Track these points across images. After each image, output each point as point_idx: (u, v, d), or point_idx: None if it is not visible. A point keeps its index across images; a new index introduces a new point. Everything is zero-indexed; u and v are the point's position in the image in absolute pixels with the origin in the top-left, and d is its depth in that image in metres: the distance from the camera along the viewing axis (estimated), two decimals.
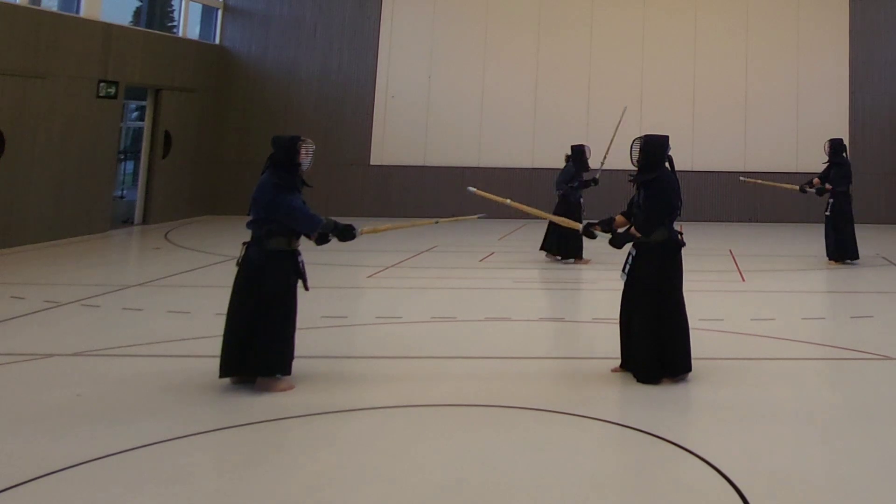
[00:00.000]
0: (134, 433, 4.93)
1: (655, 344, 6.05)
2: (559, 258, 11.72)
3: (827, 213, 11.75)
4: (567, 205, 11.72)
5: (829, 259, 11.77)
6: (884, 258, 12.55)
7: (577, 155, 12.02)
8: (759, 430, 5.20)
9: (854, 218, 11.80)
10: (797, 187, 12.22)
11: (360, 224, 6.36)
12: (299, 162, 6.02)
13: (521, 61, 18.11)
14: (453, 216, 16.25)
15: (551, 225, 11.41)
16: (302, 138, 6.09)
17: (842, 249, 11.68)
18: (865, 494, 4.31)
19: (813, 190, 11.88)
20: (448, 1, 18.36)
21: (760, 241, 12.41)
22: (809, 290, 10.64)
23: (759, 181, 13.64)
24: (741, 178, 14.11)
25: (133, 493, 4.19)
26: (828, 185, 11.70)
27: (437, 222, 7.28)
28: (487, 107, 17.91)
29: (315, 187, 6.39)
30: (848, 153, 11.79)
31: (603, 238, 6.49)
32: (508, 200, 7.02)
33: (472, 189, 7.05)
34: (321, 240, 6.09)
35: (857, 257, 11.74)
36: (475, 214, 7.37)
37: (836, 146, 11.79)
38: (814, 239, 13.86)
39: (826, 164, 11.91)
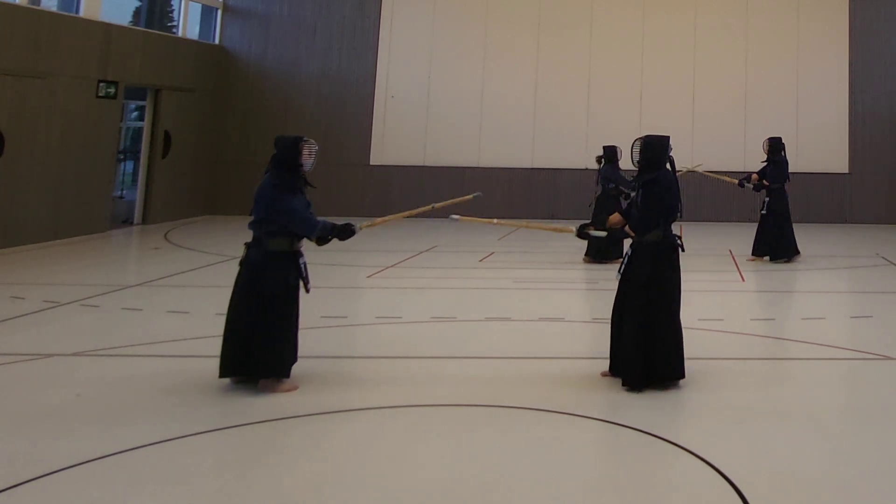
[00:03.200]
0: (134, 433, 4.93)
1: (644, 349, 5.96)
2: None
3: (763, 212, 11.87)
4: (609, 202, 11.73)
5: (764, 257, 11.81)
6: (884, 258, 12.55)
7: (611, 155, 12.01)
8: (759, 430, 5.20)
9: (791, 215, 11.91)
10: (736, 181, 12.35)
11: (358, 222, 6.35)
12: (301, 163, 6.00)
13: (521, 61, 18.10)
14: (451, 215, 16.32)
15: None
16: (305, 139, 6.06)
17: (782, 248, 11.76)
18: (865, 494, 4.31)
19: (751, 185, 11.99)
20: (448, 1, 18.35)
21: None
22: (809, 290, 10.65)
23: (703, 171, 13.67)
24: (683, 168, 14.16)
25: (133, 493, 4.19)
26: (765, 182, 11.82)
27: (433, 207, 7.29)
28: (487, 107, 17.90)
29: (315, 187, 6.38)
30: (786, 152, 11.98)
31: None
32: (495, 220, 7.05)
33: (455, 217, 7.05)
34: (321, 241, 6.09)
35: (796, 254, 11.84)
36: (471, 195, 7.39)
37: (774, 144, 11.92)
38: (813, 239, 13.88)
39: (764, 162, 12.03)
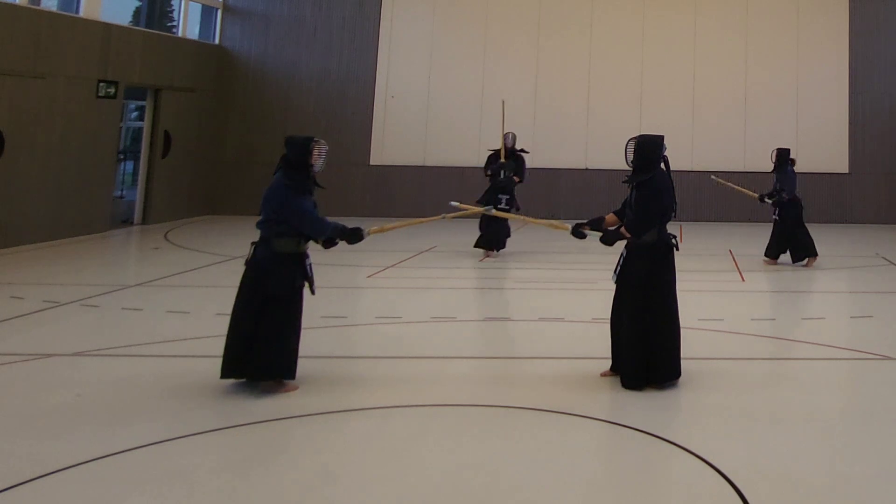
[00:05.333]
0: (134, 433, 4.93)
1: (642, 349, 5.95)
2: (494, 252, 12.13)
3: (775, 217, 11.82)
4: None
5: (777, 260, 11.82)
6: (884, 258, 12.55)
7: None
8: (759, 430, 5.20)
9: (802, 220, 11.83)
10: (756, 195, 12.23)
11: (364, 224, 6.35)
12: (312, 163, 6.00)
13: (521, 61, 18.10)
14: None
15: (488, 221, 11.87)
16: (315, 139, 6.05)
17: (800, 250, 11.74)
18: (865, 494, 4.32)
19: (769, 201, 11.87)
20: (448, 1, 18.35)
21: (760, 241, 12.39)
22: (809, 290, 10.64)
23: (727, 183, 13.52)
24: (712, 177, 14.12)
25: (133, 493, 4.19)
26: (784, 195, 11.64)
27: (443, 217, 7.28)
28: (487, 107, 17.88)
29: (324, 188, 6.36)
30: (793, 162, 11.89)
31: (592, 238, 6.43)
32: (493, 210, 7.02)
33: (454, 203, 7.06)
34: (328, 243, 6.08)
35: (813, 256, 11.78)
36: (483, 208, 7.37)
37: (781, 155, 11.76)
38: (813, 239, 13.85)
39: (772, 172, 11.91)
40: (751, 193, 12.57)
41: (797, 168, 12.06)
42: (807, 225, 11.92)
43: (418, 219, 7.30)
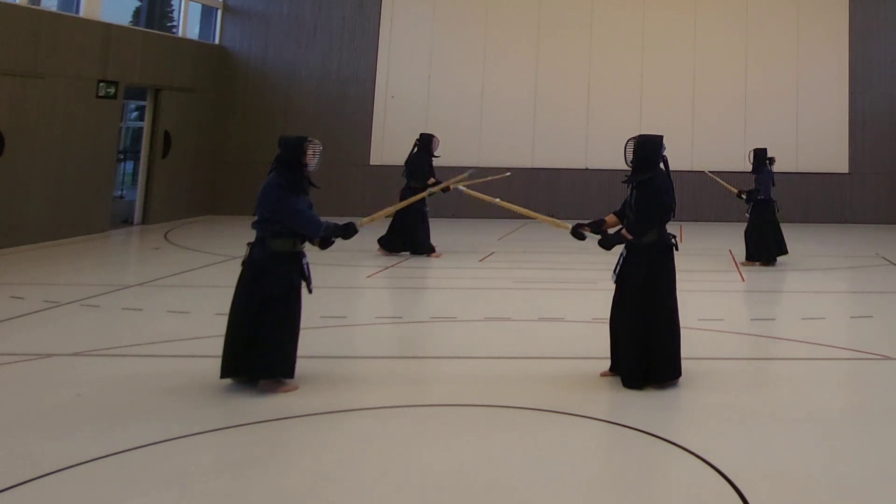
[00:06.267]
0: (134, 433, 4.93)
1: (641, 349, 5.95)
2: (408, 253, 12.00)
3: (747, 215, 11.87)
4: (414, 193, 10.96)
5: (755, 262, 11.78)
6: (884, 258, 12.55)
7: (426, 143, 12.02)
8: (759, 430, 5.20)
9: (770, 222, 11.80)
10: (735, 190, 12.25)
11: (357, 220, 6.35)
12: (306, 163, 6.00)
13: (521, 61, 18.10)
14: (453, 215, 16.34)
15: (396, 223, 11.78)
16: (309, 139, 6.04)
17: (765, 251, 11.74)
18: (865, 494, 4.32)
19: (744, 197, 11.92)
20: (448, 1, 18.35)
21: None
22: (809, 290, 10.64)
23: (717, 178, 13.51)
24: (707, 172, 14.22)
25: (133, 493, 4.19)
26: (760, 196, 11.69)
27: (430, 193, 7.28)
28: (487, 107, 17.90)
29: (319, 187, 6.36)
30: (770, 162, 11.91)
31: (592, 239, 6.42)
32: (497, 200, 7.00)
33: (461, 188, 7.10)
34: (324, 244, 6.08)
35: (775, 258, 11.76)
36: (465, 173, 7.40)
37: (758, 156, 11.79)
38: (812, 239, 13.88)
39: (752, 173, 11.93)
40: (732, 189, 12.60)
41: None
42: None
43: (404, 201, 7.34)
